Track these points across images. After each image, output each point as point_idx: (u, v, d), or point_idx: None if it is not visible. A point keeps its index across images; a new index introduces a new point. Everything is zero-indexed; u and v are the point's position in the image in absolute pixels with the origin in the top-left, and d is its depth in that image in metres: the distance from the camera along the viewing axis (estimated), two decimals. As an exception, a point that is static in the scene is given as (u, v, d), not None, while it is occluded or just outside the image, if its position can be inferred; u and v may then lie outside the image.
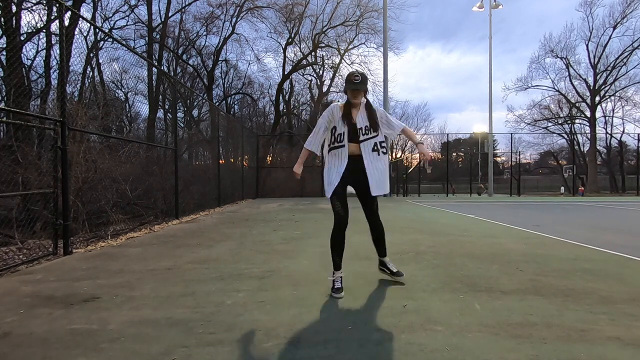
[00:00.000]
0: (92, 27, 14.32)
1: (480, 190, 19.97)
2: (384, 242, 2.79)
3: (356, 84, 2.52)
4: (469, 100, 74.24)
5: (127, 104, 17.12)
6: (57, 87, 4.82)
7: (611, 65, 26.89)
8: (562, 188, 24.88)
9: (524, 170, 31.32)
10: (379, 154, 2.58)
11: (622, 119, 28.25)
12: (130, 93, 17.07)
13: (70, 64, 7.15)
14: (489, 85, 19.95)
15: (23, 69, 8.48)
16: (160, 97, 17.49)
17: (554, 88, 29.24)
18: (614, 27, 26.14)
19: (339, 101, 2.68)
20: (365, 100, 2.65)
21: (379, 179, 2.57)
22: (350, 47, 22.53)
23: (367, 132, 2.57)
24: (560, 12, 56.35)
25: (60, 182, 3.88)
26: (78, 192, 5.72)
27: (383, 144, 2.61)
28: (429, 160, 2.66)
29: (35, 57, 9.98)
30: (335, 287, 2.51)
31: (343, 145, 2.54)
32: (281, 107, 23.92)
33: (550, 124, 30.50)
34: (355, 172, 2.56)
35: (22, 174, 5.52)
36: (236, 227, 5.95)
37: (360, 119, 2.57)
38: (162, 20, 18.60)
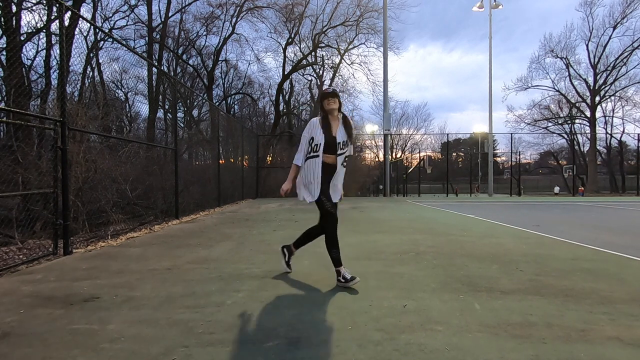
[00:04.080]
0: (92, 27, 14.32)
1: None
2: (308, 241, 2.95)
3: (329, 93, 2.76)
4: (470, 100, 74.34)
5: (127, 104, 17.11)
6: (57, 87, 4.82)
7: (611, 65, 26.93)
8: (557, 188, 24.86)
9: (524, 170, 31.35)
10: (344, 167, 2.83)
11: (622, 119, 28.31)
12: (130, 93, 17.06)
13: (70, 64, 7.15)
14: (489, 86, 19.94)
15: (23, 69, 8.47)
16: (160, 97, 17.49)
17: (554, 88, 29.30)
18: (614, 27, 26.18)
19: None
20: (342, 114, 2.83)
21: (339, 189, 2.82)
22: (350, 47, 22.52)
23: (343, 146, 2.77)
24: (562, 10, 56.57)
25: (60, 182, 3.88)
26: (78, 192, 5.72)
27: (347, 158, 2.83)
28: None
29: (35, 57, 9.98)
30: (348, 276, 2.68)
31: (318, 155, 2.71)
32: (281, 107, 23.93)
33: (550, 124, 30.55)
34: (328, 179, 2.76)
35: (22, 174, 5.52)
36: (236, 227, 5.95)
37: (340, 134, 2.75)
38: (162, 20, 18.61)
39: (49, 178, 4.71)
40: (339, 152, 2.75)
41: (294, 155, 2.82)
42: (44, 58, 9.71)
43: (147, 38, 18.05)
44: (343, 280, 2.67)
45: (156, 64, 16.61)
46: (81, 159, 5.84)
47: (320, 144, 2.70)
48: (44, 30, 9.79)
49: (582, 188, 22.67)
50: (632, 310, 2.16)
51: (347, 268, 2.76)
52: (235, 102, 27.58)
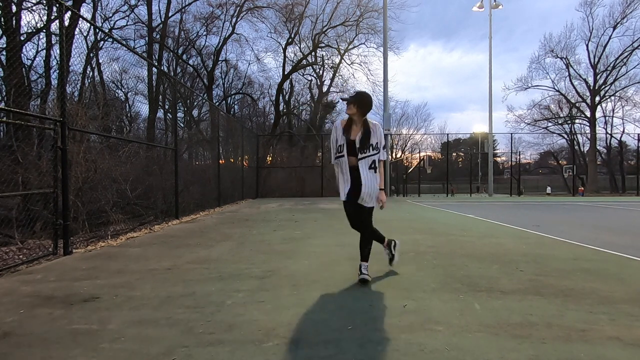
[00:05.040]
0: (92, 27, 14.32)
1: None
2: (366, 249, 2.89)
3: (347, 98, 2.81)
4: (470, 100, 74.34)
5: (127, 104, 17.11)
6: (57, 87, 4.82)
7: (611, 65, 26.93)
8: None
9: (524, 170, 31.36)
10: (375, 172, 2.77)
11: (622, 119, 28.33)
12: (130, 93, 17.07)
13: (70, 64, 7.15)
14: (489, 86, 19.95)
15: (23, 69, 8.47)
16: (160, 97, 17.48)
17: (554, 88, 29.32)
18: (614, 27, 26.20)
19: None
20: (365, 119, 2.81)
21: (371, 194, 2.76)
22: (350, 47, 22.54)
23: (365, 150, 2.75)
24: (562, 10, 56.44)
25: (60, 182, 3.88)
26: (78, 192, 5.72)
27: (378, 162, 2.79)
28: (383, 203, 2.83)
29: (35, 57, 9.97)
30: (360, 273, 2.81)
31: (343, 155, 2.79)
32: (281, 107, 23.92)
33: (550, 124, 30.58)
34: (355, 181, 2.77)
35: (22, 174, 5.52)
36: (236, 227, 5.95)
37: (360, 138, 2.76)
38: (162, 20, 18.61)
39: (49, 178, 4.71)
40: (360, 156, 2.74)
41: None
42: (44, 58, 9.71)
43: (147, 38, 18.04)
44: (359, 273, 2.82)
45: (156, 64, 16.61)
46: (81, 159, 5.84)
47: (343, 144, 2.80)
48: (44, 30, 9.79)
49: (582, 188, 22.67)
50: (632, 310, 2.16)
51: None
52: (235, 102, 27.60)
